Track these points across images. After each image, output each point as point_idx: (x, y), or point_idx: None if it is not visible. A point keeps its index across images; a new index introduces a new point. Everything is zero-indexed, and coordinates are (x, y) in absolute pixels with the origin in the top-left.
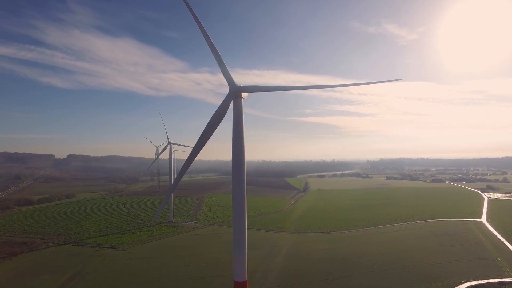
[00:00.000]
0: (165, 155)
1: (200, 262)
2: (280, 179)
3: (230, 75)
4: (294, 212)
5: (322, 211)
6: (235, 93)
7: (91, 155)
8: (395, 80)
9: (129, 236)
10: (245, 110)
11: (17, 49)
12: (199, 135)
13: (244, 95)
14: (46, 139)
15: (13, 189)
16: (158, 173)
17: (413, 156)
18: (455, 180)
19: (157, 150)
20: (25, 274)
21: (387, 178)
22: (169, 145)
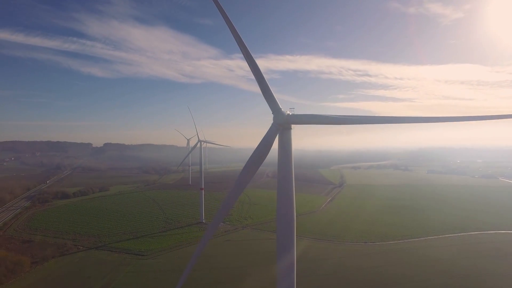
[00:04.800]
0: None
1: (233, 278)
2: (314, 171)
3: (275, 100)
4: (331, 214)
5: (361, 213)
6: (283, 125)
7: (126, 143)
8: None
9: (159, 240)
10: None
11: (61, 42)
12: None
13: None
14: (85, 126)
15: (53, 180)
16: (189, 166)
17: (455, 144)
18: (509, 176)
19: (188, 143)
20: (52, 287)
21: (429, 171)
22: (199, 143)
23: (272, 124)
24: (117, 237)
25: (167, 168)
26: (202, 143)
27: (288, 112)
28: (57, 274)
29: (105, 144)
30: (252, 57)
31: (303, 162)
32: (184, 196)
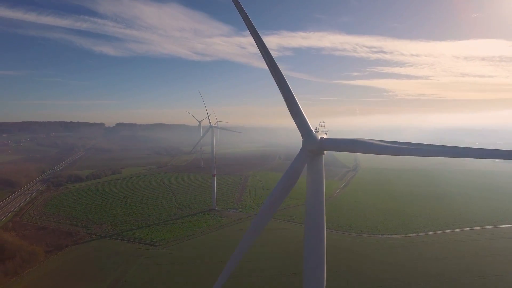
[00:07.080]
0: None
1: (246, 273)
2: (327, 152)
3: (306, 121)
4: (346, 200)
5: (378, 200)
6: (314, 152)
7: (138, 123)
8: None
9: (171, 228)
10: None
11: (73, 20)
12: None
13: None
14: (97, 105)
15: (67, 162)
16: (201, 148)
17: (473, 123)
18: None
19: (199, 124)
20: (65, 279)
21: None
22: (211, 129)
23: (300, 149)
24: (129, 225)
25: (178, 148)
26: (213, 128)
27: (319, 132)
28: (70, 264)
29: (118, 124)
30: (277, 66)
31: None
32: (196, 179)
